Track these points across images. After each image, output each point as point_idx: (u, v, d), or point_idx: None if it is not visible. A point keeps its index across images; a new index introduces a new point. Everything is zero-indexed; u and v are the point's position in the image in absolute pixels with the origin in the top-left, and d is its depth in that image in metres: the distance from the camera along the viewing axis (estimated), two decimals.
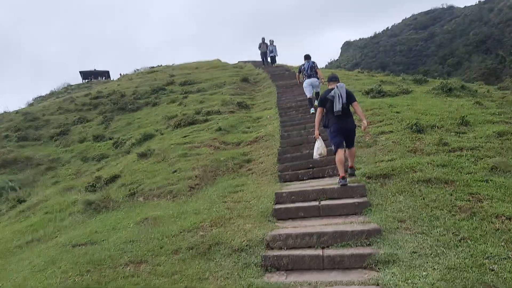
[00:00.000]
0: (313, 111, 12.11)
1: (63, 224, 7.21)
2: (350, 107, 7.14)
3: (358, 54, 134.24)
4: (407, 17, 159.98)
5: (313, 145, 7.49)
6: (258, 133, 11.69)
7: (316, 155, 7.30)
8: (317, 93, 12.55)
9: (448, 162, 7.35)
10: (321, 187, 6.59)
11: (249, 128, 12.65)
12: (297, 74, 13.82)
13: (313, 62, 12.80)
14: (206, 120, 14.42)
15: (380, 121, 10.82)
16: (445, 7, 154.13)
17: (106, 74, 47.18)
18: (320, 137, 7.35)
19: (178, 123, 14.77)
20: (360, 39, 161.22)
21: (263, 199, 6.71)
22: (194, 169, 8.97)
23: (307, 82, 12.55)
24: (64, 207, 8.39)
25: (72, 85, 40.62)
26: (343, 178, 6.60)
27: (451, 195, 5.99)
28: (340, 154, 6.79)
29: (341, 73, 20.62)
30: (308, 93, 12.56)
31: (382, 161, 7.87)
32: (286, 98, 15.25)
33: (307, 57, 12.97)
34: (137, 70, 33.74)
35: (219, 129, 12.44)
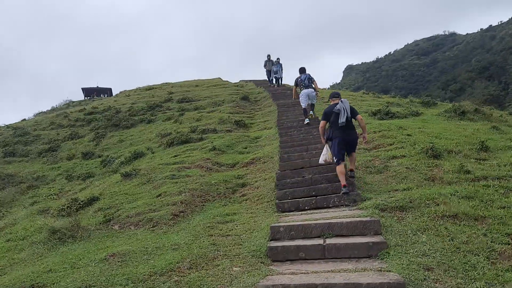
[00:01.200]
0: (308, 121, 12.46)
1: (20, 256, 6.10)
2: (353, 121, 7.55)
3: (360, 78, 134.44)
4: (409, 43, 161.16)
5: (316, 169, 7.64)
6: (255, 154, 10.65)
7: (321, 160, 7.65)
8: (312, 105, 12.71)
9: (474, 194, 6.29)
10: (326, 221, 5.50)
11: (246, 148, 11.63)
12: (293, 87, 13.15)
13: (309, 75, 12.77)
14: (201, 139, 13.42)
15: (390, 144, 9.80)
16: (447, 34, 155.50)
17: (108, 91, 46.43)
18: (327, 144, 7.69)
19: (171, 141, 13.75)
20: (362, 63, 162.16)
21: (257, 233, 5.61)
22: (180, 193, 7.89)
23: (304, 93, 12.45)
24: (29, 234, 7.28)
25: (74, 102, 39.81)
26: (345, 186, 6.88)
27: (486, 235, 4.90)
28: (341, 166, 7.09)
29: (346, 94, 19.72)
30: (304, 103, 12.51)
31: (397, 190, 6.80)
32: (287, 117, 14.27)
33: (303, 70, 12.79)
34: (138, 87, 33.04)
35: (214, 148, 11.42)
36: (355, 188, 7.12)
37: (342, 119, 7.14)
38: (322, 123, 7.64)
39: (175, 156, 11.37)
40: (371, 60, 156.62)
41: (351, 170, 7.45)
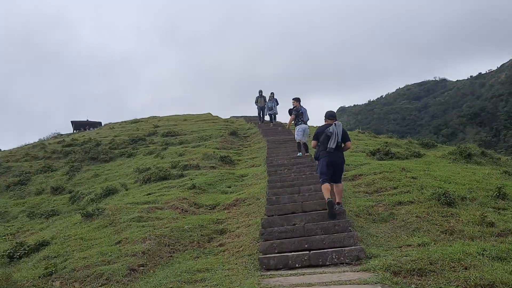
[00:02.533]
0: (300, 155, 12.24)
1: None
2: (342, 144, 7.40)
3: (352, 120, 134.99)
4: (400, 87, 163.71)
5: (309, 216, 6.51)
6: (240, 194, 9.33)
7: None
8: (304, 144, 12.32)
9: (506, 253, 5.00)
10: (323, 287, 4.14)
11: (230, 187, 10.30)
12: (292, 116, 12.00)
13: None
14: (181, 176, 12.09)
15: (394, 188, 8.56)
16: (438, 80, 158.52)
17: (98, 125, 44.99)
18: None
19: (148, 177, 12.41)
20: (354, 105, 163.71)
21: None
22: (144, 241, 6.48)
23: (301, 128, 12.03)
24: None
25: (62, 135, 38.36)
26: (329, 199, 6.71)
27: None
28: (326, 185, 6.99)
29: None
30: (299, 137, 12.12)
31: (410, 245, 5.49)
32: (277, 155, 13.04)
33: (299, 100, 12.35)
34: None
35: (193, 186, 10.09)
36: (345, 216, 6.66)
37: (332, 145, 7.08)
38: (313, 143, 7.66)
39: (149, 194, 10.01)
40: (363, 103, 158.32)
41: (338, 203, 6.98)
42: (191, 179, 10.60)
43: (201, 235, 6.94)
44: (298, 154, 12.28)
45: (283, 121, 23.02)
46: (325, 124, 7.43)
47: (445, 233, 5.95)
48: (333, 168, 7.11)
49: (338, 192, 7.14)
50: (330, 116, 7.52)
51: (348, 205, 7.45)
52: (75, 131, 42.28)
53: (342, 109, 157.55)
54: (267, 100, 20.82)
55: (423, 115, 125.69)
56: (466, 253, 4.88)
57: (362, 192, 8.64)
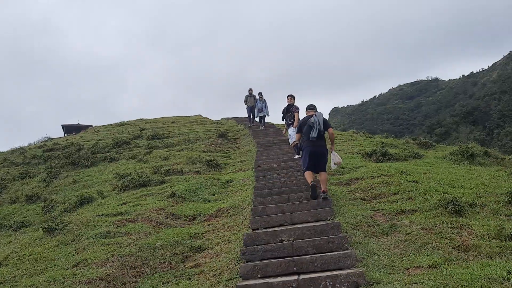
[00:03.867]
0: (298, 157, 11.26)
1: None
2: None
3: (346, 120, 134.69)
4: (393, 87, 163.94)
5: (299, 230, 5.71)
6: (223, 203, 8.40)
7: (333, 165, 8.07)
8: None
9: None
10: None
11: (213, 195, 9.37)
12: (296, 114, 11.31)
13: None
14: (162, 182, 11.13)
15: (394, 194, 7.68)
16: (430, 79, 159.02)
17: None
18: (333, 151, 7.99)
19: (126, 184, 11.43)
20: (348, 106, 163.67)
21: None
22: (106, 263, 5.53)
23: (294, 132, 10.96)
24: None
25: (52, 139, 37.13)
26: (312, 181, 7.28)
27: None
28: (308, 172, 7.49)
29: (335, 133, 17.79)
30: (293, 139, 11.20)
31: (418, 267, 4.58)
32: (267, 158, 12.14)
33: (294, 97, 11.73)
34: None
35: (173, 195, 9.14)
36: (331, 204, 6.75)
37: (314, 134, 7.37)
38: (297, 135, 7.99)
39: (123, 204, 9.06)
40: (357, 103, 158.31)
41: (324, 192, 7.10)
42: (171, 187, 9.64)
43: (174, 253, 6.00)
44: (295, 157, 11.27)
45: (275, 123, 22.07)
46: (306, 116, 7.80)
47: (458, 250, 5.07)
48: (316, 157, 7.45)
49: (323, 181, 7.29)
50: (310, 107, 7.90)
51: (344, 215, 6.56)
52: (65, 134, 41.08)
53: (335, 110, 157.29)
54: (257, 99, 19.29)
55: (416, 114, 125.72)
56: (489, 278, 4.00)
57: (359, 199, 7.75)
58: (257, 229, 6.31)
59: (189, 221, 7.69)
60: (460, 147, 11.71)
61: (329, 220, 6.22)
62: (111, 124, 27.92)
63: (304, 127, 7.61)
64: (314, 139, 7.36)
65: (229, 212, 7.57)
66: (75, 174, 16.22)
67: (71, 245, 6.52)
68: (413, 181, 8.45)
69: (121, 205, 8.99)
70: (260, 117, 19.48)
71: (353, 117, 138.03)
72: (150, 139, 19.84)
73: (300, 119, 9.10)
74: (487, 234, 5.43)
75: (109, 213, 8.14)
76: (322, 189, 7.12)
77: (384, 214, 6.63)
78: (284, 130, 12.37)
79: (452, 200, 6.43)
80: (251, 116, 20.36)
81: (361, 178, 9.12)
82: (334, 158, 7.99)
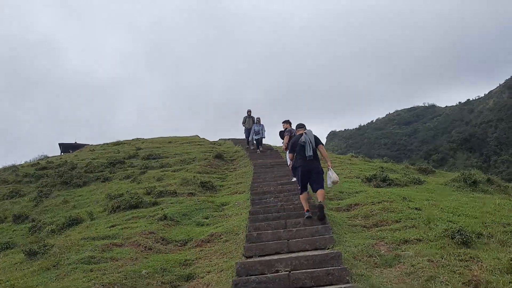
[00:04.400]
0: (295, 179, 11.01)
1: None
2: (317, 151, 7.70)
3: (343, 144, 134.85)
4: (390, 113, 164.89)
5: (296, 260, 5.31)
6: (217, 227, 8.00)
7: (329, 183, 7.80)
8: None
9: None
10: None
11: (207, 218, 8.97)
12: (286, 137, 10.79)
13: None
14: (154, 203, 10.73)
15: (397, 221, 7.32)
16: (427, 105, 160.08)
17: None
18: (330, 167, 7.85)
19: (117, 205, 11.00)
20: (345, 130, 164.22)
21: None
22: None
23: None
24: None
25: (49, 157, 36.56)
26: (308, 211, 7.26)
27: None
28: (304, 195, 7.58)
29: (333, 156, 17.51)
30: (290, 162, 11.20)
31: None
32: (264, 180, 11.78)
33: (290, 122, 11.27)
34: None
35: (164, 217, 8.74)
36: (330, 231, 6.44)
37: (309, 152, 7.38)
38: (290, 155, 8.00)
39: (112, 226, 8.64)
40: (354, 127, 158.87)
41: (320, 205, 7.18)
42: (162, 209, 9.24)
43: (162, 282, 5.57)
44: (292, 179, 11.05)
45: (273, 145, 21.70)
46: (296, 135, 7.85)
47: (468, 285, 4.69)
48: (312, 175, 7.48)
49: (320, 196, 7.37)
50: (299, 126, 8.01)
51: (344, 244, 6.17)
52: (62, 153, 40.55)
53: (333, 134, 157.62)
54: (255, 121, 18.73)
55: (413, 140, 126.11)
56: None
57: (359, 226, 7.38)
58: (251, 257, 5.91)
59: (180, 246, 7.28)
60: (462, 173, 11.39)
61: (329, 248, 5.85)
62: (107, 143, 27.56)
63: (296, 147, 7.60)
64: (311, 158, 7.39)
65: (222, 238, 7.17)
66: (66, 193, 15.77)
67: (52, 271, 6.09)
68: (416, 208, 8.10)
69: (110, 227, 8.57)
70: (256, 140, 18.67)
71: (350, 141, 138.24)
72: (145, 159, 19.48)
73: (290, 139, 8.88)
74: (498, 268, 5.05)
75: (96, 236, 7.72)
76: (319, 200, 7.33)
77: (387, 243, 6.25)
78: (284, 144, 12.08)
79: (459, 230, 6.08)
80: (249, 138, 19.77)
81: (361, 204, 8.76)
82: (331, 176, 7.81)
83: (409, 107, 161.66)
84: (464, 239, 5.92)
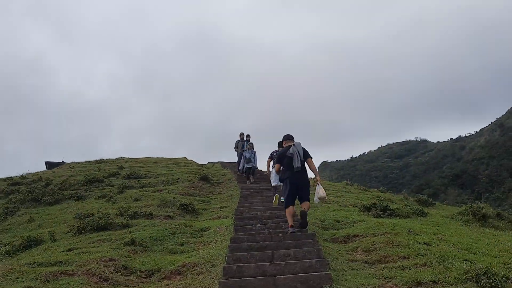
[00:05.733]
0: (283, 200, 10.00)
1: None
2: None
3: (335, 175, 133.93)
4: (383, 146, 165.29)
5: None
6: (192, 256, 6.77)
7: (316, 199, 7.60)
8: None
9: None
10: None
11: (182, 245, 7.73)
12: (267, 160, 10.96)
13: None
14: (126, 226, 9.47)
15: (405, 257, 6.17)
16: (419, 140, 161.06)
17: None
18: (318, 182, 7.67)
19: (84, 226, 9.72)
20: (337, 161, 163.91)
21: None
22: None
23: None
24: None
25: (33, 174, 34.83)
26: (292, 227, 7.22)
27: None
28: (290, 209, 7.36)
29: (327, 184, 16.39)
30: (275, 182, 10.72)
31: None
32: (250, 205, 10.61)
33: (281, 145, 9.95)
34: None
35: (132, 242, 7.49)
36: (327, 267, 5.44)
37: (296, 164, 7.19)
38: (276, 166, 7.66)
39: (69, 250, 7.38)
40: (346, 159, 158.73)
41: (304, 212, 7.21)
42: (130, 232, 8.00)
43: None
44: (281, 200, 9.92)
45: (263, 170, 20.45)
46: (284, 147, 7.57)
47: None
48: (299, 188, 7.31)
49: (306, 207, 7.31)
50: (288, 137, 7.69)
51: (344, 284, 5.00)
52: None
53: (324, 164, 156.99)
54: (246, 147, 16.64)
55: (404, 173, 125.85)
56: None
57: (360, 262, 6.21)
58: None
59: (144, 277, 6.02)
60: (471, 206, 10.34)
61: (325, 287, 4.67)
62: (89, 161, 26.16)
63: (284, 159, 7.37)
64: (298, 169, 7.18)
65: (195, 269, 5.94)
66: (34, 211, 14.37)
67: None
68: (425, 243, 6.97)
69: (67, 251, 7.30)
70: (248, 169, 16.18)
71: (342, 172, 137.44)
72: (126, 178, 18.16)
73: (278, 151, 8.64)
74: None
75: (46, 262, 6.43)
76: (303, 209, 7.25)
77: (396, 284, 5.08)
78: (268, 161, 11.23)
79: (485, 273, 4.94)
80: (240, 165, 17.05)
81: (360, 235, 7.61)
82: (319, 191, 7.52)
83: (401, 141, 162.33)
84: (493, 284, 4.78)
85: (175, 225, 9.03)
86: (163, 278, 5.91)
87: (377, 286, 4.97)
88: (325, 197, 7.72)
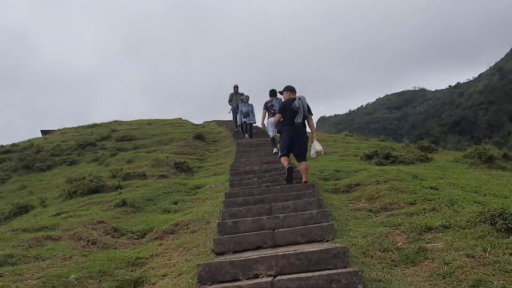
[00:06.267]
0: (276, 151, 10.56)
1: None
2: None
3: (333, 130, 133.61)
4: (380, 97, 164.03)
5: (284, 258, 3.65)
6: (186, 214, 6.40)
7: (313, 153, 7.36)
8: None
9: None
10: None
11: (176, 203, 7.36)
12: (263, 111, 10.52)
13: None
14: (118, 187, 9.09)
15: (411, 203, 5.79)
16: (417, 89, 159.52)
17: None
18: (314, 139, 7.32)
19: (74, 190, 9.35)
20: (335, 115, 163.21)
21: None
22: None
23: (272, 121, 9.93)
24: None
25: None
26: (289, 164, 7.04)
27: None
28: (285, 157, 7.15)
29: (325, 136, 15.96)
30: (272, 132, 10.52)
31: None
32: (247, 160, 10.20)
33: (274, 94, 10.33)
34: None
35: (123, 203, 7.10)
36: (329, 217, 4.97)
37: (299, 119, 6.98)
38: (277, 116, 7.29)
39: (57, 214, 6.99)
40: (344, 113, 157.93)
41: (305, 182, 6.95)
42: (120, 193, 7.61)
43: None
44: (274, 151, 10.50)
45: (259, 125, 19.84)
46: (289, 99, 7.17)
47: None
48: (297, 143, 7.05)
49: (304, 171, 7.05)
50: (290, 89, 7.33)
51: (348, 234, 4.62)
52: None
53: (322, 119, 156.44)
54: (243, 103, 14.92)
55: (403, 124, 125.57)
56: None
57: (364, 210, 5.83)
58: (224, 253, 4.34)
59: (136, 239, 5.66)
60: (476, 148, 9.92)
61: (328, 241, 4.29)
62: (82, 126, 25.57)
63: (287, 111, 7.00)
64: (299, 125, 6.95)
65: (189, 227, 5.57)
66: (27, 178, 14.03)
67: None
68: (431, 188, 6.57)
69: (54, 216, 6.92)
70: (245, 124, 14.86)
71: (340, 126, 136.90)
72: (119, 140, 17.71)
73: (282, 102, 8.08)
74: None
75: (31, 228, 6.06)
76: (304, 180, 6.96)
77: (404, 232, 4.70)
78: (263, 114, 10.85)
79: (500, 214, 4.54)
80: (237, 120, 16.31)
81: (363, 184, 7.23)
82: (316, 146, 7.33)
83: (399, 91, 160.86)
84: (510, 226, 4.39)
85: (168, 184, 8.64)
86: (155, 238, 5.55)
87: (383, 234, 4.58)
88: (322, 151, 7.47)
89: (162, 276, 4.14)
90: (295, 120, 6.88)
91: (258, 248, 4.35)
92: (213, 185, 8.11)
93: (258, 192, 6.40)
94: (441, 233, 4.57)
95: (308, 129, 7.36)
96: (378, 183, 7.02)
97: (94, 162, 14.11)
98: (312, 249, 3.58)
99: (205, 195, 7.54)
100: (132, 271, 4.39)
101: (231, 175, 8.34)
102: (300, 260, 3.51)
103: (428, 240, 4.40)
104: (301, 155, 7.11)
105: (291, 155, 7.37)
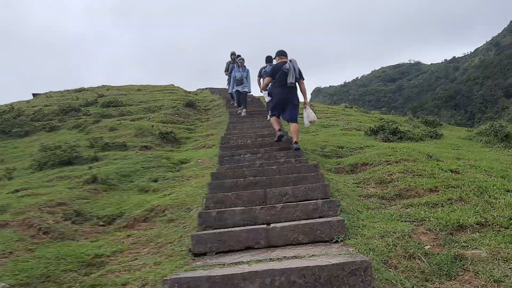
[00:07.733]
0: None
1: None
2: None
3: (328, 101, 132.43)
4: (376, 69, 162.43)
5: (281, 271, 2.47)
6: (163, 195, 5.43)
7: (307, 122, 7.20)
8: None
9: None
10: None
11: (156, 181, 6.38)
12: (257, 78, 10.16)
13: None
14: (94, 159, 8.07)
15: (432, 190, 4.87)
16: (412, 62, 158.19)
17: None
18: (307, 106, 7.23)
19: (45, 161, 8.32)
20: (330, 86, 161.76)
21: None
22: None
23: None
24: None
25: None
26: (280, 130, 7.34)
27: None
28: (275, 118, 7.30)
29: (325, 107, 14.95)
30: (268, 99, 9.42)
31: None
32: (240, 131, 9.19)
33: (270, 60, 9.85)
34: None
35: (94, 180, 6.12)
36: (337, 208, 4.10)
37: (291, 79, 6.81)
38: (267, 79, 7.29)
39: (15, 191, 5.98)
40: (339, 84, 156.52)
41: (296, 143, 6.79)
42: (91, 168, 6.61)
43: None
44: (268, 118, 9.39)
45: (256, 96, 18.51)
46: (280, 62, 7.09)
47: None
48: (288, 104, 6.96)
49: (294, 132, 6.89)
50: (281, 54, 7.19)
51: (361, 233, 3.68)
52: None
53: (317, 90, 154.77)
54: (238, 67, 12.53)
55: (397, 97, 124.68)
56: None
57: (375, 197, 4.90)
58: (205, 254, 3.39)
59: (100, 226, 4.70)
60: (492, 125, 8.99)
61: (338, 241, 3.36)
62: (68, 90, 24.24)
63: (277, 73, 6.94)
64: (292, 85, 6.80)
65: (166, 215, 4.60)
66: (1, 144, 12.93)
67: None
68: (451, 171, 5.66)
69: (13, 193, 5.91)
70: (239, 92, 12.50)
71: (335, 97, 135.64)
72: (104, 106, 16.50)
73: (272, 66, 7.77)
74: None
75: None
76: (294, 140, 6.80)
77: (430, 230, 3.78)
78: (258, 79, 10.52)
79: None
80: (233, 91, 13.33)
81: (371, 164, 6.29)
82: (309, 115, 7.13)
83: (395, 64, 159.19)
84: None
85: (149, 157, 7.62)
86: (124, 226, 4.59)
87: (406, 234, 3.65)
88: (315, 120, 7.37)
89: (122, 285, 3.19)
90: (288, 81, 6.74)
91: (248, 248, 3.41)
92: (199, 160, 7.12)
93: (250, 173, 5.42)
94: (477, 233, 3.66)
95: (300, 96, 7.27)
96: (389, 164, 6.09)
97: (75, 129, 12.99)
98: (321, 263, 2.63)
99: (190, 172, 6.56)
100: (85, 275, 3.44)
101: (221, 149, 7.35)
102: (304, 278, 2.56)
103: (464, 244, 3.49)
104: (292, 116, 6.96)
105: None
